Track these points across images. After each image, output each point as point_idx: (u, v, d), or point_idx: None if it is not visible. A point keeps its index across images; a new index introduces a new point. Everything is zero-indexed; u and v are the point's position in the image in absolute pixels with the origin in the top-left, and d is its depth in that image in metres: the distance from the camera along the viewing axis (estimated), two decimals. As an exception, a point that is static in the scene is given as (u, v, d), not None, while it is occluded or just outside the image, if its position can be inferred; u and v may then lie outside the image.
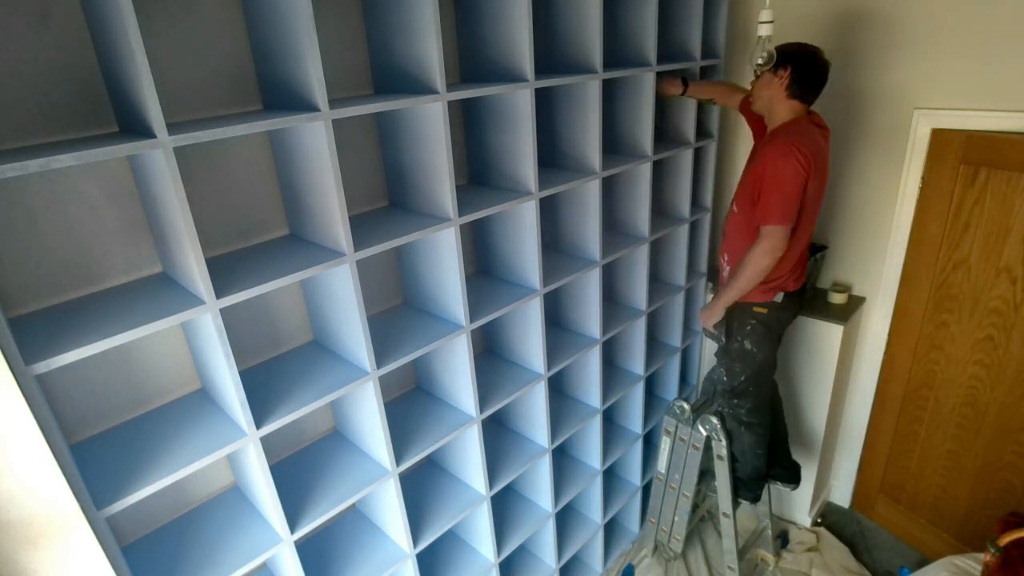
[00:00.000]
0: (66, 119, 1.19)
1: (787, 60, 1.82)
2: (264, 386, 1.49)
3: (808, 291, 2.64)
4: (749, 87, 2.03)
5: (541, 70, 1.87)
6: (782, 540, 2.86)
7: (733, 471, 2.42)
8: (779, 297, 2.05)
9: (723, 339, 2.19)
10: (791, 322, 2.19)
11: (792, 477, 2.50)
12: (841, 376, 2.69)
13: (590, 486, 2.54)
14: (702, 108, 2.49)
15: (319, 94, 1.23)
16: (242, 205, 1.47)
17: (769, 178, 1.83)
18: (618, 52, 2.12)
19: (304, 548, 1.70)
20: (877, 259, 2.57)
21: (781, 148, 1.80)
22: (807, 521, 2.94)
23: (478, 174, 1.92)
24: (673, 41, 2.30)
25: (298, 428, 1.76)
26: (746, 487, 2.44)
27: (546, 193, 1.80)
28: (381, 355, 1.58)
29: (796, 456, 2.61)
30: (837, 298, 2.61)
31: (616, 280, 2.47)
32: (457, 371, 1.82)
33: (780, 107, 1.90)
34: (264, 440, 1.36)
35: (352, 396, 1.64)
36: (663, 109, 2.39)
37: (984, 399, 2.37)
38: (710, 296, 2.86)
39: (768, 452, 2.40)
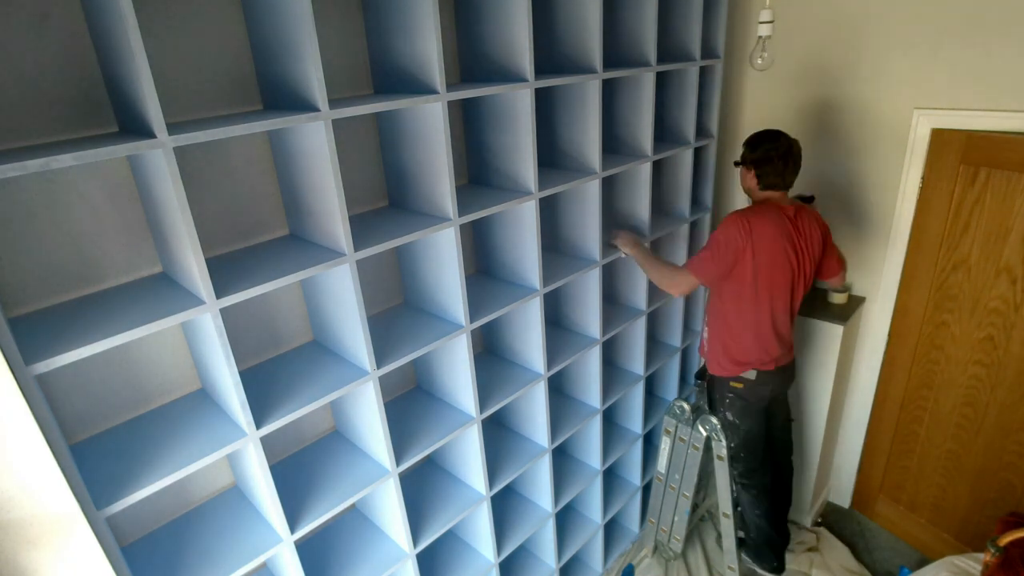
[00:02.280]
0: (66, 119, 1.19)
1: (750, 161, 2.02)
2: (264, 386, 1.49)
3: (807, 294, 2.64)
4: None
5: (541, 70, 1.87)
6: (782, 540, 2.86)
7: (741, 528, 2.52)
8: (751, 374, 2.16)
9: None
10: (774, 395, 2.26)
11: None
12: (841, 376, 2.69)
13: (590, 486, 2.54)
14: (702, 107, 2.49)
15: (319, 94, 1.23)
16: (242, 205, 1.47)
17: (712, 235, 2.03)
18: (618, 52, 2.12)
19: (304, 548, 1.70)
20: (877, 259, 2.57)
21: (732, 217, 1.99)
22: (807, 521, 2.94)
23: (478, 174, 1.92)
24: (673, 41, 2.30)
25: (298, 428, 1.76)
26: (760, 556, 2.52)
27: (546, 193, 1.80)
28: (381, 355, 1.58)
29: (795, 456, 2.62)
30: (837, 298, 2.61)
31: (616, 280, 2.47)
32: (457, 371, 1.82)
33: (756, 195, 2.09)
34: (264, 440, 1.36)
35: (352, 396, 1.64)
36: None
37: (984, 399, 2.37)
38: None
39: (772, 517, 2.46)
